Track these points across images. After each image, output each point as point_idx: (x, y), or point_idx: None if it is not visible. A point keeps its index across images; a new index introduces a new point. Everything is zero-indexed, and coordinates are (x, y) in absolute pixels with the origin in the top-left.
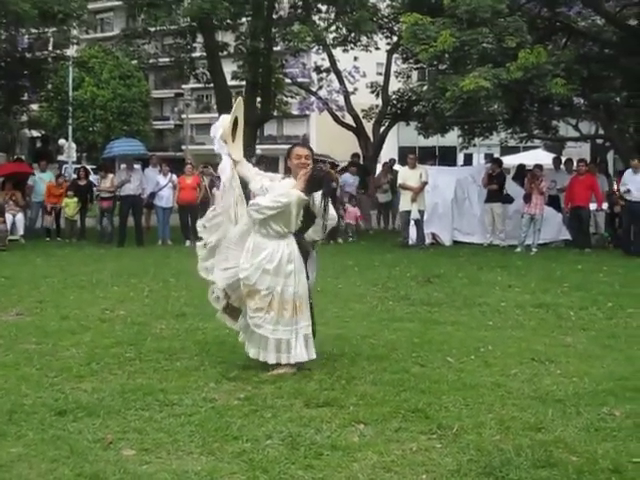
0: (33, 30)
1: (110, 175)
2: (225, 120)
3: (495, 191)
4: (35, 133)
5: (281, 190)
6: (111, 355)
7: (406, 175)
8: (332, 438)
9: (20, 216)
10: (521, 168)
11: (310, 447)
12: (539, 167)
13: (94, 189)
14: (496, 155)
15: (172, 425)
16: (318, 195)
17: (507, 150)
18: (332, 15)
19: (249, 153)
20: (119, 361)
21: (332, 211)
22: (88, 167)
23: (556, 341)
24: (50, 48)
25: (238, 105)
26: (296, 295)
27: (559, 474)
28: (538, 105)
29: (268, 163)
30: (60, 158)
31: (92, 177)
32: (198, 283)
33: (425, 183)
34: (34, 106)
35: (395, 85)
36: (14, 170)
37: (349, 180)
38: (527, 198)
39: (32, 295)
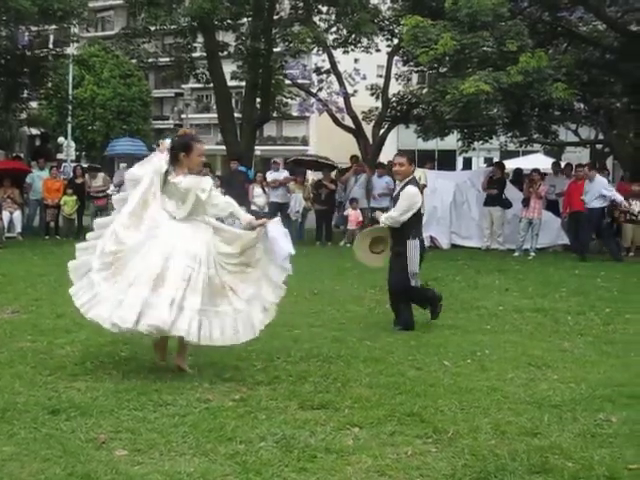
0: (33, 27)
1: (100, 174)
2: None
3: (495, 195)
4: (34, 131)
5: None
6: (106, 354)
7: None
8: (326, 441)
9: (18, 214)
10: (518, 172)
11: (304, 450)
12: (537, 171)
13: (86, 188)
14: (496, 159)
15: (165, 425)
16: None
17: (506, 154)
18: (333, 16)
19: (248, 154)
20: (114, 360)
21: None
22: (85, 165)
23: (553, 346)
24: (50, 46)
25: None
26: None
27: None
28: (538, 109)
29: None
30: (59, 156)
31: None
32: None
33: (424, 186)
34: (34, 104)
35: (395, 87)
36: (10, 167)
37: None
38: (525, 202)
39: (28, 293)
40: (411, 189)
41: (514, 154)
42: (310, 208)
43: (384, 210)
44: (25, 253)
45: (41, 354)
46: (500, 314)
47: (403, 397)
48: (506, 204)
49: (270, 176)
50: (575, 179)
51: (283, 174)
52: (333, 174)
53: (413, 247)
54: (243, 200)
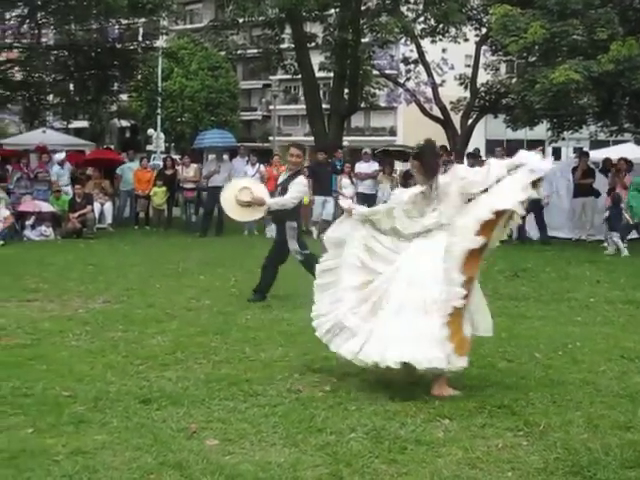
0: (123, 21)
1: (193, 165)
2: None
3: (590, 185)
4: (124, 123)
5: None
6: (196, 344)
7: None
8: (417, 432)
9: (108, 205)
10: (607, 162)
11: (394, 441)
12: (625, 160)
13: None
14: (585, 149)
15: (256, 416)
16: None
17: (596, 144)
18: (420, 6)
19: (337, 145)
20: (204, 350)
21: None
22: (175, 157)
23: None
24: (140, 39)
25: None
26: None
27: None
28: (629, 98)
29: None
30: (149, 148)
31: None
32: (283, 274)
33: None
34: (124, 96)
35: (483, 77)
36: (105, 156)
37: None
38: (610, 192)
39: (119, 283)
40: (303, 179)
41: (604, 144)
42: None
43: None
44: (116, 244)
45: (132, 344)
46: (591, 305)
47: (493, 389)
48: (597, 194)
49: (359, 167)
50: None
51: (373, 166)
52: None
53: (290, 228)
54: (329, 191)
